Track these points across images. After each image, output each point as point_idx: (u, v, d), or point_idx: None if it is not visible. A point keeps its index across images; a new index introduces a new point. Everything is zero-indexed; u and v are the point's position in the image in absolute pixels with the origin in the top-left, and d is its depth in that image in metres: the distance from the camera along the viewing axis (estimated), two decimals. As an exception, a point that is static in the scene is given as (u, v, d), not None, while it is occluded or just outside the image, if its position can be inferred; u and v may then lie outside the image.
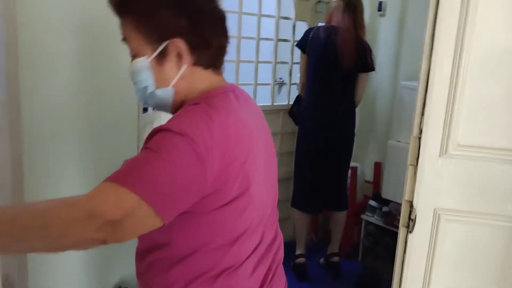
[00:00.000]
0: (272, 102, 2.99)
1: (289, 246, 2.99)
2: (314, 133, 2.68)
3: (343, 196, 2.77)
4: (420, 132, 1.10)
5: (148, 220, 0.79)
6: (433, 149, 1.08)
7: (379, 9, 3.02)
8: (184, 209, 0.84)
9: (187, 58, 0.91)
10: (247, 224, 0.93)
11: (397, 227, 2.87)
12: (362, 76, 2.69)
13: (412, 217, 1.15)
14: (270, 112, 2.96)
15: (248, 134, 0.92)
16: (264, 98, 3.03)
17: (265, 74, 3.04)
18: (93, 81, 1.51)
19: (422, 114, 1.11)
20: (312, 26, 2.87)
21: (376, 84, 3.12)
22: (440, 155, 1.08)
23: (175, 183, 0.80)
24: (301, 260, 2.76)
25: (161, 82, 0.93)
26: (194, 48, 0.91)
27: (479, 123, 1.06)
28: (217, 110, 0.87)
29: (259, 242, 0.97)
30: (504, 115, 1.05)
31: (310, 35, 2.66)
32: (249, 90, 2.91)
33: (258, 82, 2.91)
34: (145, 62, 0.91)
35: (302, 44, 2.71)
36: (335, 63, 2.58)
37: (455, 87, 1.07)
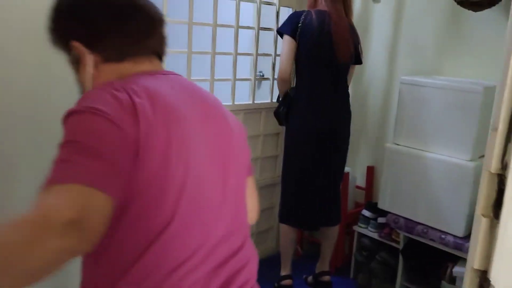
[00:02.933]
0: (253, 100, 2.51)
1: (271, 263, 2.58)
2: (309, 140, 2.17)
3: (336, 208, 2.32)
4: (504, 167, 0.66)
5: (97, 201, 0.68)
6: (527, 195, 0.64)
7: (373, -6, 2.56)
8: (121, 175, 0.73)
9: (88, 56, 0.86)
10: (165, 221, 0.78)
11: (396, 241, 2.49)
12: (352, 69, 2.26)
13: (489, 298, 0.70)
14: (250, 111, 2.48)
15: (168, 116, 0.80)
16: (242, 96, 2.54)
17: (242, 68, 2.55)
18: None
19: (508, 138, 0.66)
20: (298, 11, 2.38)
21: (369, 80, 2.66)
22: (538, 204, 0.64)
23: (101, 154, 0.71)
24: (287, 282, 2.30)
25: (85, 88, 0.88)
26: (89, 45, 0.86)
27: None
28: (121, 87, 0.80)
29: (197, 248, 0.81)
30: None
31: (301, 20, 2.12)
32: (226, 86, 2.42)
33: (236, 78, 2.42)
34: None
35: (291, 30, 2.13)
36: (331, 57, 2.10)
37: None
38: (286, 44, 2.15)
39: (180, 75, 0.94)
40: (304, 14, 2.15)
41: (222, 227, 0.87)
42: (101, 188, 0.68)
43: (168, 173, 0.78)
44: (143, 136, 0.75)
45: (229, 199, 0.89)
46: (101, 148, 0.71)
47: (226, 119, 0.93)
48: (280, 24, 2.43)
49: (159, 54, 0.94)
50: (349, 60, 2.13)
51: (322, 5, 2.13)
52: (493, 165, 0.68)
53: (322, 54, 2.13)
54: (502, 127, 0.67)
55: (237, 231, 0.90)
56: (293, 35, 2.13)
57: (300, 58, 2.16)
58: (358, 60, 2.25)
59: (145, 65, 0.90)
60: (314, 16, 2.11)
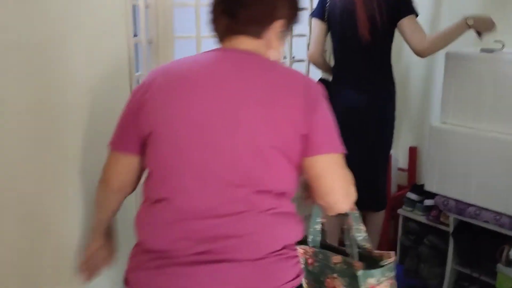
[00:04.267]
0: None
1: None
2: (343, 122, 2.06)
3: (381, 193, 2.21)
4: None
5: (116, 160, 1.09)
6: None
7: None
8: (132, 135, 1.04)
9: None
10: (152, 165, 1.02)
11: (444, 224, 2.39)
12: (403, 22, 1.93)
13: None
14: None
15: (182, 83, 1.01)
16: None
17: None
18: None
19: None
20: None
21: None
22: None
23: (121, 120, 1.07)
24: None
25: None
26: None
27: None
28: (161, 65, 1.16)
29: (166, 197, 1.00)
30: None
31: (328, 1, 2.07)
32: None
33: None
34: None
35: (318, 12, 2.12)
36: (355, 36, 1.99)
37: None
38: (313, 27, 2.18)
39: (240, 52, 1.05)
40: None
41: (206, 188, 0.98)
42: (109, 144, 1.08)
43: (158, 131, 1.00)
44: (145, 100, 1.01)
45: (223, 167, 0.97)
46: (122, 116, 1.07)
47: (258, 94, 0.99)
48: (314, 4, 2.34)
49: (252, 32, 1.05)
50: (369, 36, 1.96)
51: None
52: None
53: (346, 34, 2.04)
54: None
55: (232, 200, 0.98)
56: (320, 17, 2.11)
57: (332, 40, 2.14)
58: (400, 14, 1.95)
59: (224, 44, 1.07)
60: None
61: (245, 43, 1.04)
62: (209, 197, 0.97)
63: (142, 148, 1.03)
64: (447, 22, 2.36)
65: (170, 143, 0.98)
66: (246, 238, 0.97)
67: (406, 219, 2.43)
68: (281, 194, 1.02)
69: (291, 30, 1.14)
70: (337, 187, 1.05)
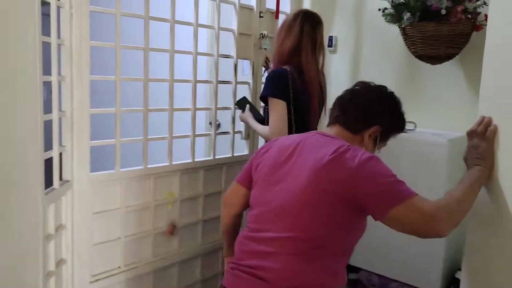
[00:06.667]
0: (214, 155, 2.34)
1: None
2: None
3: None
4: None
5: None
6: None
7: (330, 45, 2.54)
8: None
9: None
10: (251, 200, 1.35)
11: (368, 299, 2.37)
12: None
13: None
14: (210, 167, 2.31)
15: (271, 151, 1.35)
16: (198, 152, 2.36)
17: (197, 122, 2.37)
18: None
19: None
20: (283, 69, 2.10)
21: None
22: None
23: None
24: None
25: None
26: None
27: None
28: None
29: (251, 220, 1.31)
30: None
31: (290, 82, 1.92)
32: (185, 143, 2.25)
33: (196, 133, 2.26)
34: None
35: (283, 92, 1.91)
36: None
37: None
38: (278, 107, 1.92)
39: (323, 135, 1.32)
40: (288, 75, 1.93)
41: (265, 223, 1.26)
42: None
43: (255, 175, 1.36)
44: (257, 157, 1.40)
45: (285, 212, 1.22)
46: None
47: (310, 161, 1.21)
48: (239, 75, 2.34)
49: (347, 124, 1.33)
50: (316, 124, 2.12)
51: (303, 61, 1.96)
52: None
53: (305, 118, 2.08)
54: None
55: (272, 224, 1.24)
56: (287, 101, 1.93)
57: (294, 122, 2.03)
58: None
59: (330, 128, 1.37)
60: (296, 78, 1.94)
61: (342, 133, 1.31)
62: (264, 229, 1.24)
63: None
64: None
65: (259, 189, 1.31)
66: (275, 268, 1.18)
67: (332, 293, 2.39)
68: (318, 246, 1.19)
69: (386, 140, 1.36)
70: (418, 229, 1.12)
